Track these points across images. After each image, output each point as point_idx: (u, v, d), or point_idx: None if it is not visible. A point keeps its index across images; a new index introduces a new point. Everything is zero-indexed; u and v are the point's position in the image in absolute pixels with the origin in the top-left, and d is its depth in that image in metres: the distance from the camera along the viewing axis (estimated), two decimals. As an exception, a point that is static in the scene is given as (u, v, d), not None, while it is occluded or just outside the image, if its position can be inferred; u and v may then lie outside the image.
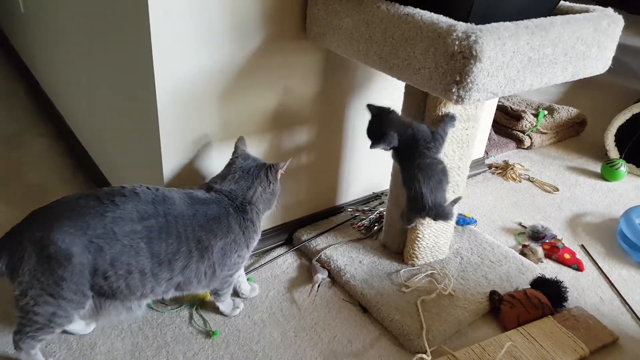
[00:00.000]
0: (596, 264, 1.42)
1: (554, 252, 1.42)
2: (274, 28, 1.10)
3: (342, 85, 1.31)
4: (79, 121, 1.67)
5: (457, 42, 0.81)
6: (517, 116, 2.01)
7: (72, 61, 1.56)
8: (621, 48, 3.41)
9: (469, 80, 0.82)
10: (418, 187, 0.97)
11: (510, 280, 1.29)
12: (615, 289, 1.33)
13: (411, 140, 0.99)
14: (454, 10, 0.89)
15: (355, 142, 1.42)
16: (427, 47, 0.85)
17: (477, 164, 1.81)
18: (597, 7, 1.04)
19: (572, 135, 2.14)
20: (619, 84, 2.78)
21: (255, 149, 1.23)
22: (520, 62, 0.87)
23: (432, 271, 1.28)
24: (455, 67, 0.82)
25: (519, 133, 2.00)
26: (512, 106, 2.08)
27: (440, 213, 1.00)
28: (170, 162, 1.11)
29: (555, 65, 0.93)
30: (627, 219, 1.48)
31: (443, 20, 0.85)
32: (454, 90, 0.84)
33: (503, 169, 1.81)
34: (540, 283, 1.28)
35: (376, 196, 1.55)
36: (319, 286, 1.25)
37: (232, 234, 1.03)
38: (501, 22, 0.86)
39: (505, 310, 1.19)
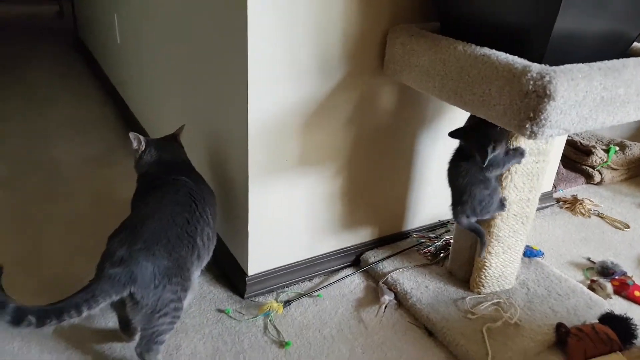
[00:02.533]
0: (670, 304, 1.39)
1: (623, 288, 1.40)
2: (355, 66, 1.21)
3: (413, 117, 1.39)
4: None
5: (531, 82, 0.87)
6: (587, 151, 2.00)
7: (162, 88, 1.74)
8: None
9: (542, 118, 0.88)
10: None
11: (578, 314, 1.29)
12: (691, 330, 1.29)
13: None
14: (528, 52, 0.95)
15: (424, 170, 1.49)
16: (502, 86, 0.92)
17: (545, 197, 1.81)
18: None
19: (645, 172, 2.10)
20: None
21: (328, 176, 1.32)
22: (592, 102, 0.91)
23: (498, 300, 1.30)
24: (530, 105, 0.88)
25: (588, 168, 1.98)
26: (582, 141, 2.07)
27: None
28: (255, 190, 1.23)
29: (628, 104, 0.97)
30: None
31: (518, 61, 0.91)
32: (527, 126, 0.89)
33: (572, 204, 1.81)
34: (608, 319, 1.27)
35: (442, 224, 1.60)
36: (386, 307, 1.31)
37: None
38: (574, 64, 0.91)
39: (572, 343, 1.19)
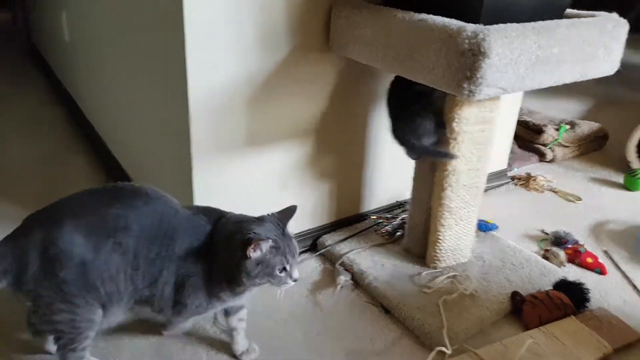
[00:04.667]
0: (619, 268, 1.41)
1: (576, 256, 1.42)
2: (300, 40, 1.19)
3: (364, 94, 1.38)
4: (114, 138, 1.78)
5: (466, 41, 0.87)
6: (538, 130, 2.04)
7: (110, 82, 1.69)
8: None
9: (478, 76, 0.88)
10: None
11: (533, 282, 1.30)
12: (639, 291, 1.32)
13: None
14: (465, 15, 0.96)
15: (378, 151, 1.48)
16: (440, 48, 0.92)
17: (499, 175, 1.84)
18: (602, 12, 1.09)
19: (595, 149, 2.15)
20: (642, 101, 2.79)
21: (281, 158, 1.30)
22: (528, 60, 0.92)
23: (454, 273, 1.30)
24: (466, 64, 0.88)
25: (541, 146, 2.02)
26: (534, 121, 2.12)
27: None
28: (201, 170, 1.19)
29: (564, 64, 0.98)
30: (651, 224, 1.48)
31: (454, 22, 0.92)
32: (465, 85, 0.89)
33: (526, 180, 1.84)
34: (562, 285, 1.28)
35: (399, 204, 1.59)
36: (341, 288, 1.29)
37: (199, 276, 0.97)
38: (509, 24, 0.92)
39: (527, 310, 1.20)
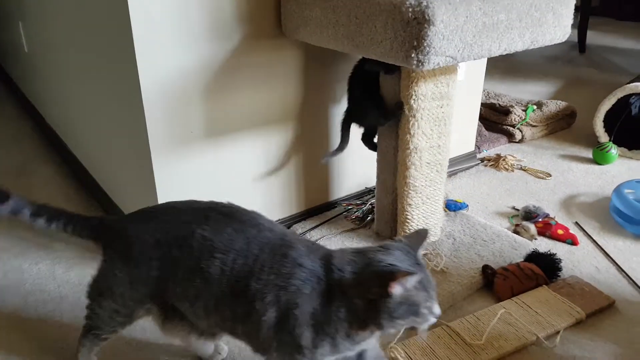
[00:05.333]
0: (590, 237, 1.42)
1: (547, 228, 1.43)
2: (252, 27, 1.18)
3: (325, 80, 1.37)
4: (79, 144, 1.75)
5: (410, 10, 0.87)
6: (505, 111, 2.05)
7: (70, 88, 1.66)
8: (610, 50, 3.48)
9: (425, 45, 0.88)
10: None
11: (504, 256, 1.30)
12: (611, 257, 1.33)
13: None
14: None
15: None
16: (386, 20, 0.92)
17: (469, 157, 1.84)
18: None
19: (563, 127, 2.17)
20: (608, 81, 2.83)
21: (245, 148, 1.28)
22: (474, 27, 0.92)
23: (424, 252, 1.29)
24: (412, 34, 0.88)
25: (509, 127, 2.03)
26: (501, 103, 2.13)
27: None
28: (161, 164, 1.17)
29: (512, 31, 0.98)
30: (618, 193, 1.49)
31: (398, -7, 0.91)
32: (413, 55, 0.89)
33: (495, 161, 1.84)
34: (534, 257, 1.28)
35: (369, 191, 1.59)
36: (313, 273, 1.28)
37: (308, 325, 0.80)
38: (453, -9, 0.92)
39: (498, 282, 1.20)
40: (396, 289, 0.74)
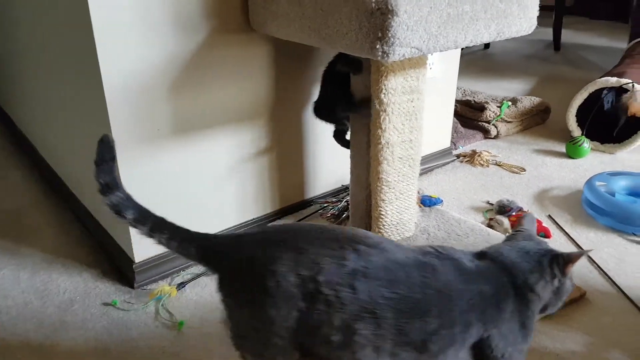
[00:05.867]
0: (563, 229, 1.43)
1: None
2: (219, 21, 1.16)
3: (298, 75, 1.36)
4: (47, 146, 1.71)
5: (374, 0, 0.86)
6: (480, 107, 2.06)
7: (35, 89, 1.62)
8: (584, 47, 3.53)
9: (389, 36, 0.87)
10: None
11: (477, 249, 1.29)
12: (582, 249, 1.34)
13: None
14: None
15: (318, 134, 1.46)
16: (350, 11, 0.91)
17: (444, 154, 1.85)
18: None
19: (538, 123, 2.19)
20: (582, 77, 2.87)
21: (215, 146, 1.26)
22: (439, 18, 0.92)
23: (398, 248, 1.29)
24: (377, 24, 0.87)
25: (484, 124, 2.04)
26: (475, 99, 2.14)
27: None
28: (125, 162, 1.13)
29: (477, 22, 0.98)
30: (590, 185, 1.51)
31: (362, -16, 0.91)
32: (378, 47, 0.88)
33: (471, 157, 1.85)
34: (507, 250, 1.29)
35: (345, 188, 1.58)
36: (286, 271, 1.26)
37: (510, 323, 0.78)
38: (417, -18, 0.92)
39: (471, 276, 1.20)
40: (571, 270, 0.80)
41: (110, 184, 0.77)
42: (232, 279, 0.76)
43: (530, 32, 1.11)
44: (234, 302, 0.77)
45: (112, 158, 0.78)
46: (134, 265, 1.23)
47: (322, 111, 1.31)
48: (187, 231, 0.81)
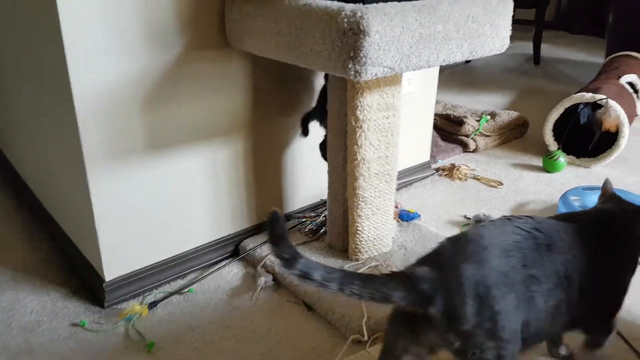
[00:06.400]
0: (538, 245, 1.44)
1: (497, 237, 1.44)
2: (195, 36, 1.16)
3: (274, 90, 1.36)
4: (22, 161, 1.68)
5: (346, 20, 0.86)
6: (459, 122, 2.08)
7: (12, 105, 1.60)
8: (563, 62, 3.59)
9: (362, 55, 0.87)
10: None
11: (454, 266, 1.30)
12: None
13: None
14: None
15: (296, 148, 1.46)
16: (323, 30, 0.91)
17: (424, 168, 1.85)
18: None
19: (516, 137, 2.22)
20: (560, 91, 2.91)
21: (191, 161, 1.25)
22: (411, 38, 0.92)
23: (376, 263, 1.28)
24: (349, 44, 0.87)
25: (463, 137, 2.06)
26: (454, 113, 2.16)
27: None
28: (97, 178, 1.12)
29: (450, 42, 0.99)
30: (564, 200, 1.53)
31: (335, 4, 0.91)
32: (350, 66, 0.88)
33: (449, 171, 1.86)
34: (483, 266, 1.29)
35: (324, 203, 1.57)
36: (261, 290, 1.25)
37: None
38: (390, 2, 0.92)
39: (447, 292, 1.20)
40: None
41: (293, 256, 0.77)
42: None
43: (503, 51, 1.13)
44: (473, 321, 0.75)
45: (285, 230, 0.78)
46: (104, 284, 1.20)
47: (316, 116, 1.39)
48: (374, 276, 0.79)
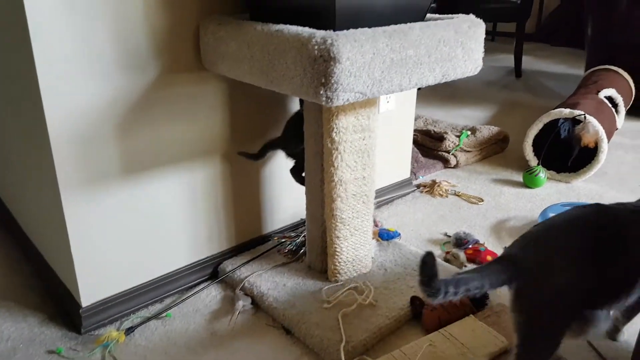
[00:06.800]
0: (518, 262, 1.44)
1: (476, 255, 1.44)
2: (170, 59, 1.16)
3: (251, 113, 1.36)
4: (3, 185, 1.66)
5: (316, 47, 0.87)
6: (440, 137, 2.10)
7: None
8: (544, 74, 3.66)
9: (332, 82, 0.87)
10: None
11: (433, 285, 1.29)
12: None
13: None
14: (321, 24, 0.96)
15: (275, 168, 1.46)
16: (295, 56, 0.91)
17: (404, 184, 1.86)
18: (461, 15, 1.13)
19: (497, 152, 2.24)
20: (541, 105, 2.95)
21: (169, 185, 1.24)
22: (382, 63, 0.93)
23: (354, 285, 1.28)
24: (320, 71, 0.88)
25: (444, 153, 2.07)
26: (435, 129, 2.18)
27: None
28: (72, 205, 1.10)
29: (421, 66, 1.00)
30: (544, 216, 1.53)
31: (306, 30, 0.91)
32: (321, 92, 0.89)
33: (430, 187, 1.87)
34: (462, 285, 1.29)
35: (304, 222, 1.57)
36: (239, 313, 1.24)
37: None
38: (360, 29, 0.93)
39: (426, 313, 1.19)
40: None
41: (449, 287, 0.86)
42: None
43: (476, 73, 1.14)
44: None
45: (436, 272, 0.87)
46: (80, 310, 1.19)
47: (280, 144, 1.39)
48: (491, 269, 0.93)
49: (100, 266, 1.19)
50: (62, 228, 1.13)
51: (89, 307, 1.19)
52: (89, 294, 1.19)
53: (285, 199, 1.52)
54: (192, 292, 1.33)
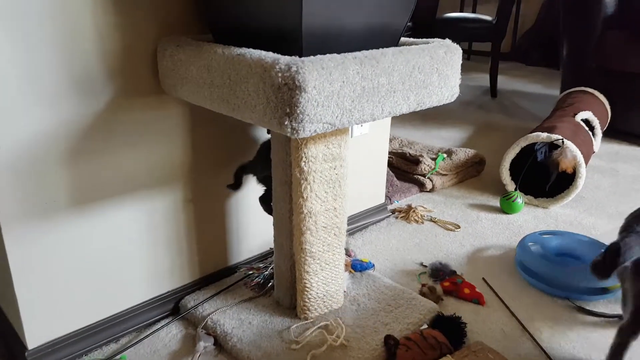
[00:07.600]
0: (497, 295, 1.39)
1: (454, 288, 1.38)
2: (126, 83, 1.07)
3: (215, 138, 1.28)
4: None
5: (280, 74, 0.80)
6: (415, 160, 2.05)
7: None
8: (520, 94, 3.67)
9: (298, 112, 0.81)
10: None
11: (409, 322, 1.22)
12: (516, 317, 1.30)
13: None
14: (287, 50, 0.89)
15: (242, 196, 1.38)
16: (257, 83, 0.84)
17: (379, 210, 1.80)
18: (437, 39, 1.08)
19: (473, 175, 2.20)
20: (517, 126, 2.95)
21: (122, 214, 1.15)
22: (353, 92, 0.87)
23: (325, 323, 1.20)
24: (284, 100, 0.81)
25: (419, 177, 2.02)
26: (410, 152, 2.13)
27: None
28: (15, 242, 1.00)
29: (395, 94, 0.94)
30: (523, 247, 1.49)
31: (270, 55, 0.84)
32: (286, 123, 0.82)
33: (406, 212, 1.81)
34: (438, 322, 1.23)
35: (273, 252, 1.48)
36: (199, 356, 1.14)
37: None
38: (328, 55, 0.86)
39: (400, 354, 1.12)
40: None
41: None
42: None
43: (452, 100, 1.08)
44: None
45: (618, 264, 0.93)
46: (26, 353, 1.08)
47: (252, 169, 1.33)
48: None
49: (48, 305, 1.09)
50: (5, 265, 1.03)
51: (35, 349, 1.09)
52: (35, 335, 1.08)
53: (252, 226, 1.44)
54: (151, 331, 1.23)
